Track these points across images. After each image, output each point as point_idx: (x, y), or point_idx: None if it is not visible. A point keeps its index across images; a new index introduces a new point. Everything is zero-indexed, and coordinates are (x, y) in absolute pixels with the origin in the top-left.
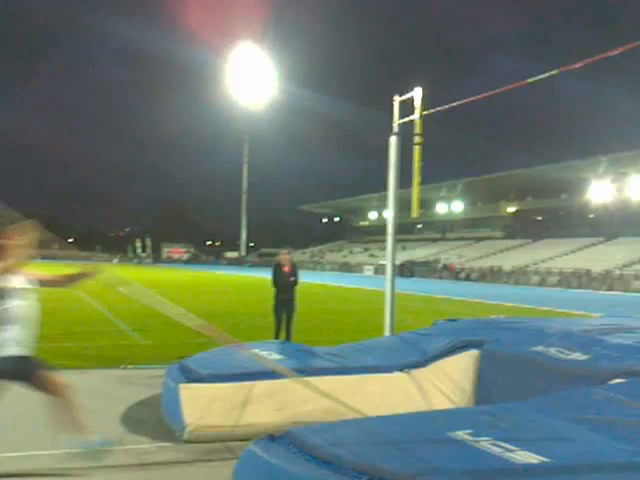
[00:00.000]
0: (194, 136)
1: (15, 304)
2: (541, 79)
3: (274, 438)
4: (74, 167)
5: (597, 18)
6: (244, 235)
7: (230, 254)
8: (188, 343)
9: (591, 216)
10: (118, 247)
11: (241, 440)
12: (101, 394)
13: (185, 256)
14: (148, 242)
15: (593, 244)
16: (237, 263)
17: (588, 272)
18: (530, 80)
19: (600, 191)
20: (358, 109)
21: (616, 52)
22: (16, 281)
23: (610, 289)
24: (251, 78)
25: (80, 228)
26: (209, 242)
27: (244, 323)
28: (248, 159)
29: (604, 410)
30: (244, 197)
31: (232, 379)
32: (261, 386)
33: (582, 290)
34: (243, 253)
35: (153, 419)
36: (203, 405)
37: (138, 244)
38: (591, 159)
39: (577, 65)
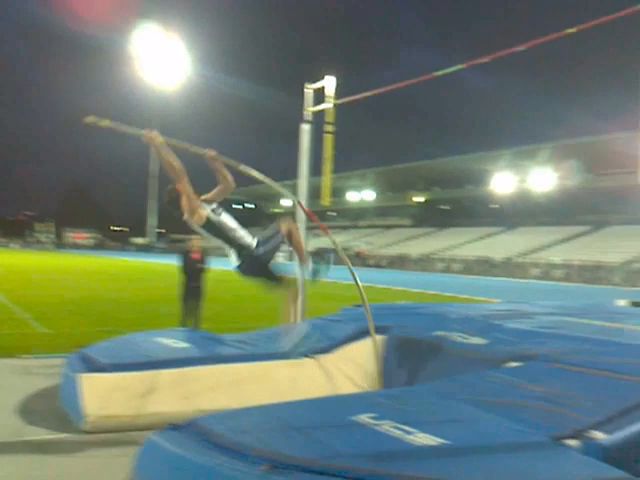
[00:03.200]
0: (102, 117)
1: None
2: (449, 72)
3: (177, 427)
4: None
5: (505, 15)
6: (152, 220)
7: (138, 240)
8: (90, 332)
9: (494, 206)
10: (19, 232)
11: (145, 430)
12: None
13: (91, 241)
14: (51, 226)
15: (495, 233)
16: (146, 249)
17: (490, 259)
18: (438, 73)
19: (503, 182)
20: (275, 94)
21: (522, 48)
22: None
23: (510, 276)
24: (161, 59)
25: None
26: (115, 227)
27: (150, 311)
28: None
29: (500, 392)
30: (152, 181)
31: (136, 368)
32: (166, 375)
33: (484, 277)
34: (151, 239)
35: (52, 410)
36: (104, 395)
37: (40, 228)
38: (495, 151)
39: (484, 59)
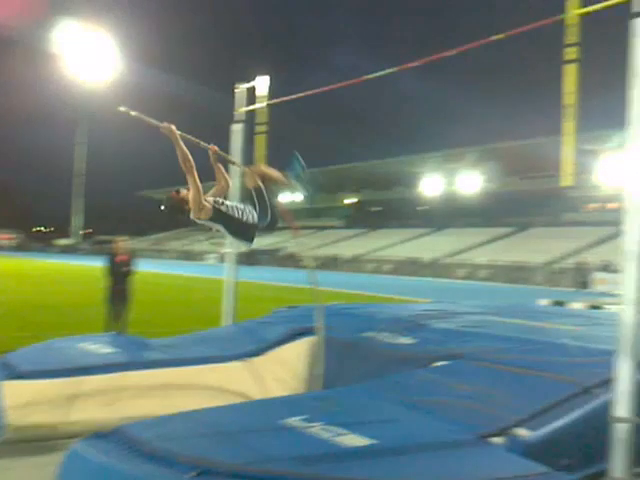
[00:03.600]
0: (25, 113)
1: None
2: (381, 75)
3: (102, 435)
4: None
5: (437, 20)
6: (77, 221)
7: (62, 241)
8: (10, 338)
9: (423, 208)
10: None
11: (68, 438)
12: None
13: (14, 242)
14: None
15: (424, 234)
16: (70, 251)
17: (419, 260)
18: (369, 76)
19: (431, 185)
20: (208, 92)
21: (451, 53)
22: None
23: (438, 276)
24: (87, 55)
25: None
26: (38, 228)
27: (74, 315)
28: (84, 140)
29: (428, 391)
30: (78, 180)
31: (59, 375)
32: (91, 381)
33: (413, 277)
34: (76, 240)
35: None
36: (26, 403)
37: None
38: (424, 154)
39: (414, 63)
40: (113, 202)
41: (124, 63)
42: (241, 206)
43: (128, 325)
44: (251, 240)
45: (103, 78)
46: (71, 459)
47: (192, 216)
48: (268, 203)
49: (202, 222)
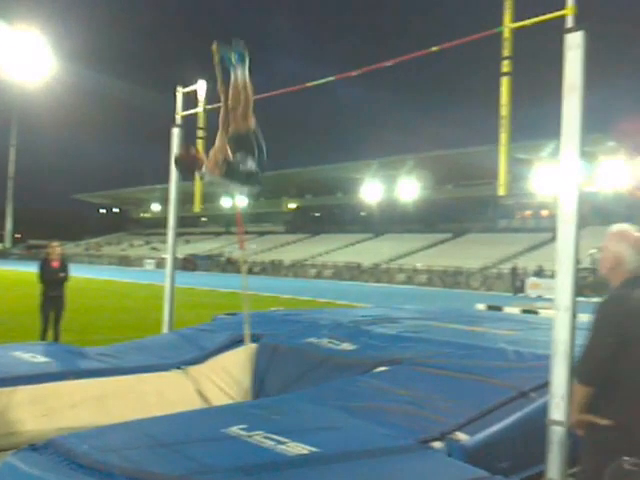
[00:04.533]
0: None
1: None
2: (320, 84)
3: (36, 447)
4: None
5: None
6: (9, 225)
7: None
8: None
9: (363, 214)
10: None
11: (2, 450)
12: None
13: None
14: None
15: (364, 240)
16: (2, 256)
17: (359, 265)
18: (309, 84)
19: (371, 191)
20: (145, 94)
21: (389, 63)
22: None
23: (378, 281)
24: (18, 54)
25: None
26: None
27: (6, 323)
28: (17, 142)
29: (369, 397)
30: (10, 183)
31: None
32: (24, 391)
33: (353, 282)
34: (8, 245)
35: None
36: None
37: None
38: (363, 161)
39: (353, 73)
40: (47, 206)
41: (59, 63)
42: (242, 155)
43: (63, 333)
44: (260, 184)
45: (36, 78)
46: (3, 473)
47: (206, 173)
48: (262, 142)
49: (213, 179)
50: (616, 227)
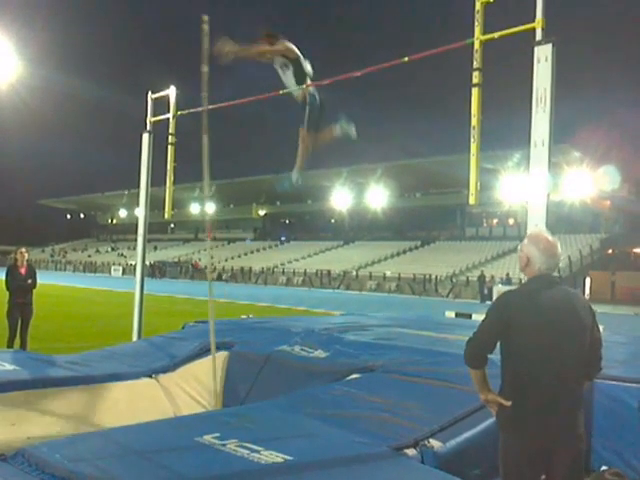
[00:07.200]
0: None
1: None
2: (292, 92)
3: (4, 457)
4: None
5: (341, 39)
6: None
7: None
8: None
9: (333, 221)
10: None
11: None
12: None
13: None
14: None
15: (334, 247)
16: None
17: (329, 272)
18: (282, 92)
19: (341, 198)
20: (115, 99)
21: (358, 74)
22: None
23: (348, 288)
24: None
25: None
26: None
27: None
28: None
29: (342, 405)
30: None
31: None
32: None
33: (323, 289)
34: None
35: None
36: None
37: None
38: (334, 169)
39: (324, 82)
40: (11, 211)
41: (25, 66)
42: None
43: (31, 340)
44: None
45: (0, 81)
46: None
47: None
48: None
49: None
50: (532, 231)
